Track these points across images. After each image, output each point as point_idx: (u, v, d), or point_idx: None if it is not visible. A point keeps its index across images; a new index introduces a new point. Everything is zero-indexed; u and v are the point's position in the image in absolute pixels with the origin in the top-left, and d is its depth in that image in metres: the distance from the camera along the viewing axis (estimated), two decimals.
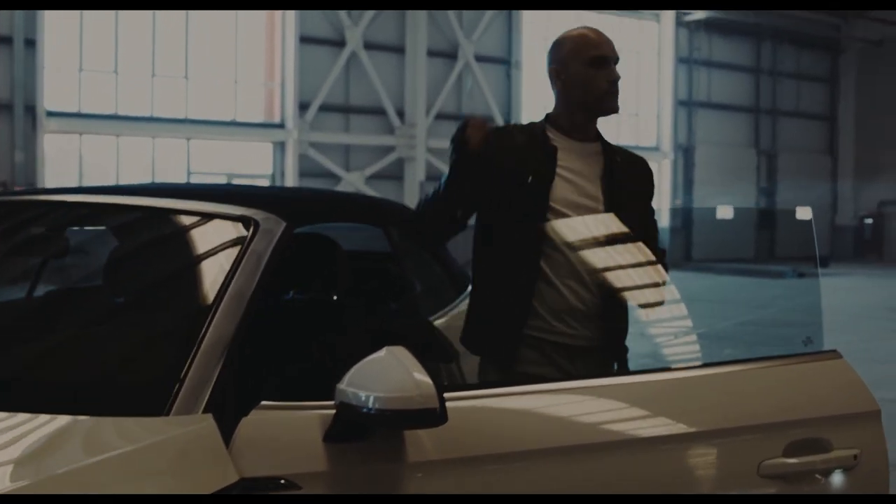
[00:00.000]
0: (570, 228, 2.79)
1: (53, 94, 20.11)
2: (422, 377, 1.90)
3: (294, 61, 22.86)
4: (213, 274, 2.27)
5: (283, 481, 1.91)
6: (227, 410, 1.97)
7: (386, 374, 1.90)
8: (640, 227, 2.90)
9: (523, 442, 2.09)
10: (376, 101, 24.24)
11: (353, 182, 23.20)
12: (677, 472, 2.21)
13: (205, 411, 1.93)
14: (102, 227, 2.72)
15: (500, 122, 25.67)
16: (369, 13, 23.68)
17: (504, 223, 2.84)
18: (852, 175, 34.23)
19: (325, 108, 23.41)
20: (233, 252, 2.31)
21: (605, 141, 2.99)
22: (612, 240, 2.85)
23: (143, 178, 20.87)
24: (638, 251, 2.88)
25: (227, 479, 1.84)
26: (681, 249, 29.74)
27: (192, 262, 2.46)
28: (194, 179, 21.34)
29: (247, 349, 2.17)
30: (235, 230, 2.41)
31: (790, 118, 33.07)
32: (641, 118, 29.50)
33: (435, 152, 24.74)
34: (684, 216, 30.14)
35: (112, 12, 20.89)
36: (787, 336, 11.67)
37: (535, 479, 2.07)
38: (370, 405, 1.88)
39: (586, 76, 2.86)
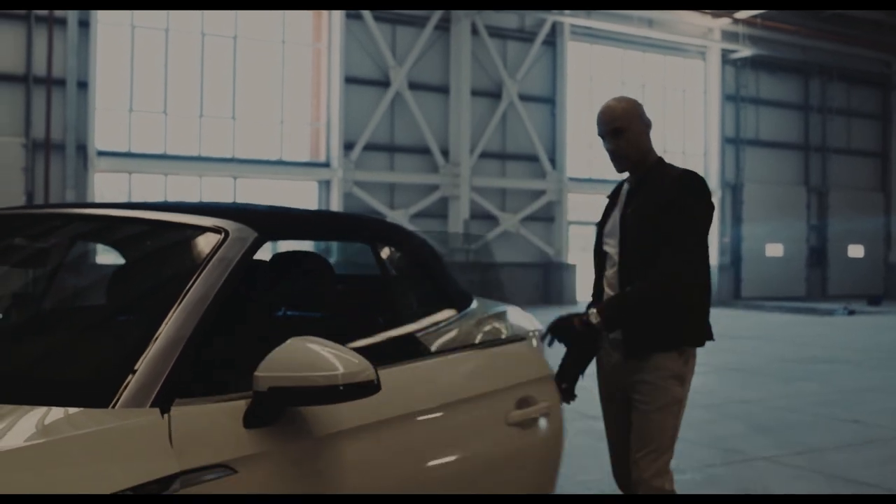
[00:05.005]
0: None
1: (104, 134, 20.64)
2: (355, 355, 2.14)
3: (339, 101, 23.20)
4: (179, 277, 2.34)
5: (221, 468, 2.00)
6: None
7: (321, 355, 2.09)
8: (653, 239, 3.36)
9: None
10: (421, 140, 24.47)
11: (397, 220, 23.36)
12: (459, 426, 2.86)
13: (153, 406, 1.99)
14: (80, 237, 2.80)
15: (543, 159, 25.75)
16: (414, 54, 23.99)
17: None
18: None
19: (369, 147, 23.69)
20: (201, 258, 2.39)
21: (652, 170, 3.53)
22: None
23: None
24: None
25: (168, 470, 1.90)
26: (730, 287, 29.45)
27: (162, 266, 2.55)
28: None
29: (223, 358, 2.24)
30: (206, 239, 2.49)
31: (841, 155, 32.67)
32: (688, 156, 29.35)
33: (479, 191, 24.88)
34: (733, 254, 29.85)
35: (161, 56, 21.43)
36: (822, 371, 11.58)
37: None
38: (321, 383, 2.05)
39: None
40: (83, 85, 19.99)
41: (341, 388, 2.07)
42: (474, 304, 4.11)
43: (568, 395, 3.72)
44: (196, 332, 2.17)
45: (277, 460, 2.15)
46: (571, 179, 26.72)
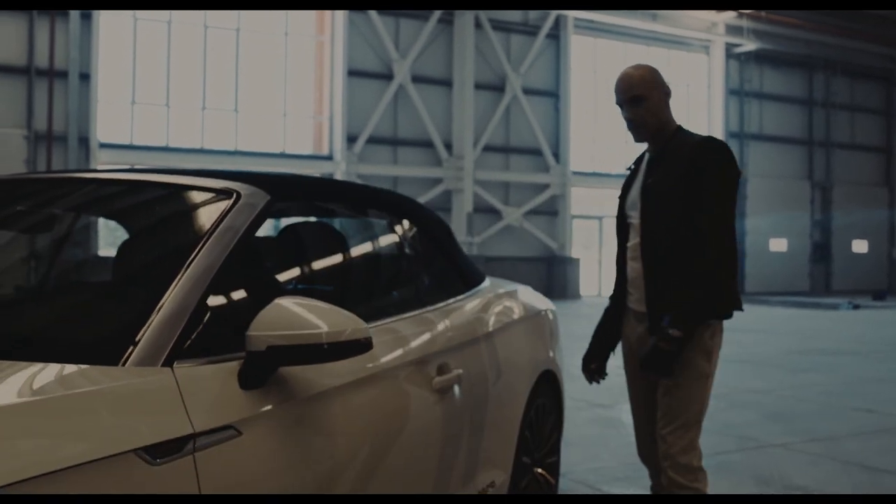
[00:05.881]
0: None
1: (106, 126, 20.58)
2: (349, 314, 2.11)
3: (342, 94, 23.11)
4: (191, 238, 2.26)
5: (230, 429, 1.94)
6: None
7: (314, 314, 2.04)
8: (677, 208, 3.27)
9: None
10: (424, 134, 24.39)
11: None
12: (412, 392, 2.78)
13: (164, 365, 1.92)
14: (91, 201, 2.72)
15: (547, 153, 25.69)
16: (417, 47, 23.91)
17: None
18: None
19: (372, 140, 23.61)
20: (213, 219, 2.31)
21: (672, 139, 3.42)
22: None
23: None
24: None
25: (184, 430, 1.82)
26: None
27: (174, 228, 2.47)
28: None
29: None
30: (218, 201, 2.42)
31: (845, 150, 32.59)
32: None
33: (482, 184, 24.79)
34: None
35: (164, 48, 21.34)
36: (829, 363, 11.50)
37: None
38: (319, 341, 2.01)
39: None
40: (85, 76, 19.92)
41: (338, 345, 2.05)
42: (486, 282, 4.04)
43: (598, 374, 3.69)
44: (208, 291, 2.11)
45: (277, 421, 2.10)
46: (575, 173, 26.64)
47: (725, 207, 3.24)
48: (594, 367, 3.71)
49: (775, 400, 8.30)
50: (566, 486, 5.04)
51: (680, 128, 3.48)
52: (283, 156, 22.96)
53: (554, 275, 25.75)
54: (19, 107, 19.56)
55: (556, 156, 26.28)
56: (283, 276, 2.97)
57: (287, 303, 2.08)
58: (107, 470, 1.65)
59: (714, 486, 3.80)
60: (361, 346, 2.11)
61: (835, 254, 32.32)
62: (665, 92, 3.44)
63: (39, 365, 1.81)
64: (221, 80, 22.22)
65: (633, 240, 3.46)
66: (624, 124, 3.47)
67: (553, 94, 26.59)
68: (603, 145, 28.04)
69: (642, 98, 3.38)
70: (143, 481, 1.72)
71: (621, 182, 3.69)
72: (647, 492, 5.04)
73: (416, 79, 24.18)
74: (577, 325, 9.26)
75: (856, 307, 23.58)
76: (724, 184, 3.26)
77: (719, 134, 29.34)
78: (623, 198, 3.57)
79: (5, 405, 1.65)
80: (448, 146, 24.69)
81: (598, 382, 3.77)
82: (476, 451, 3.25)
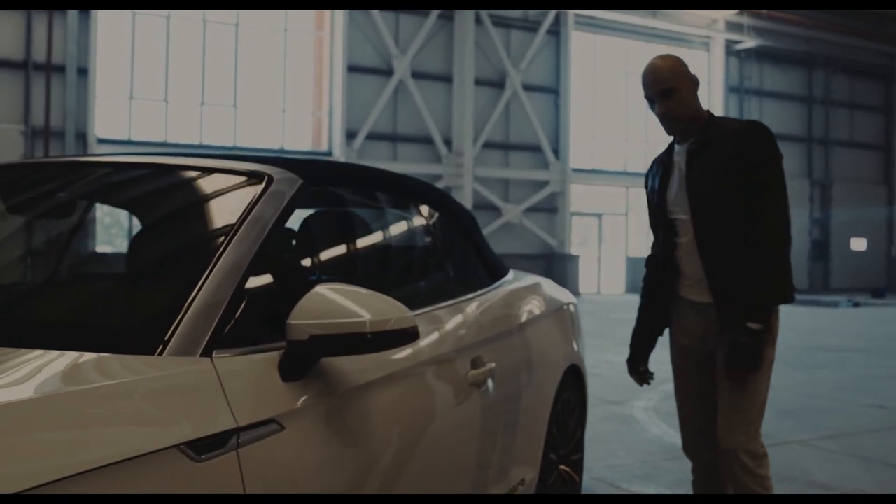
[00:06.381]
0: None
1: (104, 121, 20.42)
2: (393, 301, 2.00)
3: (342, 90, 22.98)
4: (225, 222, 2.16)
5: (272, 423, 1.84)
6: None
7: (356, 303, 1.94)
8: (730, 196, 3.19)
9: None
10: (423, 130, 24.27)
11: None
12: (449, 386, 2.68)
13: (203, 356, 1.81)
14: (117, 183, 2.62)
15: (547, 150, 25.59)
16: (417, 42, 23.79)
17: None
18: None
19: (372, 136, 23.48)
20: (247, 202, 2.22)
21: (707, 128, 3.32)
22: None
23: None
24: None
25: (226, 424, 1.72)
26: None
27: (207, 212, 2.36)
28: None
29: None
30: (251, 184, 2.32)
31: (844, 148, 32.53)
32: None
33: (482, 181, 24.69)
34: None
35: (162, 43, 21.20)
36: (836, 360, 11.44)
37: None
38: (363, 330, 1.91)
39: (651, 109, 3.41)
40: (83, 72, 19.77)
41: (383, 334, 1.94)
42: (510, 275, 3.94)
43: (647, 375, 3.64)
44: (244, 277, 2.00)
45: (318, 415, 2.00)
46: (575, 170, 26.53)
47: (783, 192, 3.20)
48: (643, 370, 3.63)
49: (788, 396, 8.21)
50: (586, 483, 4.95)
51: (711, 115, 3.40)
52: (282, 152, 22.81)
53: (553, 272, 25.63)
54: (16, 102, 19.40)
55: (556, 152, 26.18)
56: (310, 265, 2.87)
57: (328, 290, 1.97)
58: (150, 466, 1.54)
59: None
60: (407, 335, 2.00)
61: (833, 251, 32.26)
62: (694, 81, 3.36)
63: (73, 354, 1.70)
64: (220, 75, 22.08)
65: (686, 236, 3.34)
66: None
67: (553, 91, 26.48)
68: (603, 142, 27.94)
69: (673, 90, 3.28)
70: (187, 479, 1.61)
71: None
72: (669, 489, 4.97)
73: (416, 74, 24.06)
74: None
75: (856, 305, 23.54)
76: (777, 168, 3.20)
77: None
78: (662, 194, 3.42)
79: (43, 396, 1.53)
80: (448, 142, 24.58)
81: (649, 384, 3.69)
82: (509, 448, 3.15)
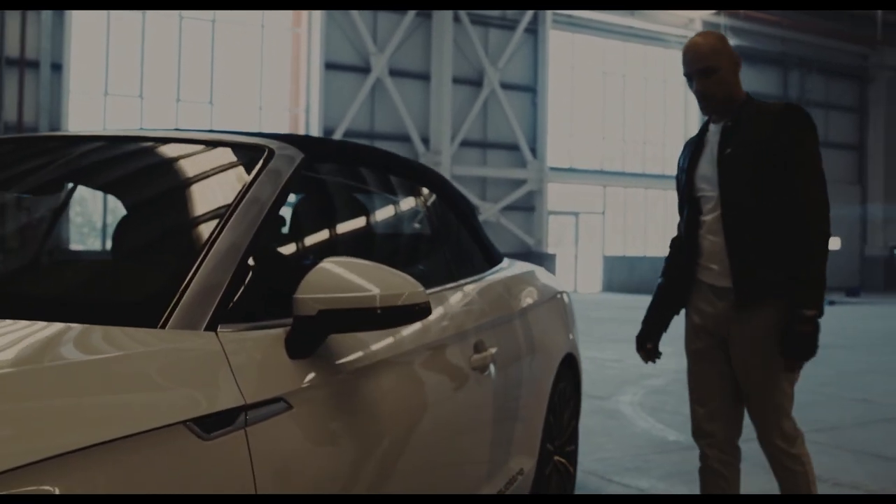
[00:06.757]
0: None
1: (78, 117, 20.17)
2: (404, 276, 1.92)
3: (319, 87, 22.86)
4: (227, 194, 2.07)
5: (280, 402, 1.75)
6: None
7: (365, 278, 1.86)
8: (761, 177, 3.14)
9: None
10: (401, 128, 24.19)
11: None
12: (454, 368, 2.63)
13: (207, 329, 1.72)
14: (117, 158, 2.53)
15: (524, 148, 25.56)
16: (395, 40, 23.70)
17: None
18: (882, 205, 33.80)
19: (349, 133, 23.37)
20: (250, 173, 2.13)
21: (745, 108, 3.29)
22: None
23: None
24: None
25: (234, 401, 1.63)
26: None
27: (208, 184, 2.27)
28: None
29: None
30: (252, 157, 2.24)
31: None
32: (668, 147, 29.26)
33: (459, 179, 24.62)
34: None
35: (138, 38, 20.99)
36: (818, 355, 11.45)
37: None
38: (373, 304, 1.83)
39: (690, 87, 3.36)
40: (57, 67, 19.54)
41: (394, 310, 1.85)
42: (506, 262, 3.87)
43: (654, 354, 3.59)
44: (248, 251, 1.91)
45: (326, 394, 1.93)
46: (552, 169, 26.53)
47: (822, 178, 3.13)
48: (650, 347, 3.57)
49: None
50: (577, 477, 4.88)
51: (749, 96, 3.34)
52: None
53: None
54: None
55: (534, 151, 26.16)
56: (310, 243, 2.78)
57: (336, 265, 1.88)
58: (156, 443, 1.44)
59: None
60: (420, 311, 1.91)
61: None
62: (735, 61, 3.30)
63: (76, 326, 1.60)
64: (196, 71, 21.88)
65: (711, 214, 3.27)
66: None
67: (531, 90, 26.47)
68: (580, 141, 27.96)
69: (713, 69, 3.22)
70: (194, 457, 1.52)
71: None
72: (660, 482, 4.91)
73: (394, 72, 23.97)
74: None
75: (831, 303, 23.65)
76: (816, 153, 3.15)
77: (694, 129, 29.29)
78: (690, 173, 3.38)
79: (47, 367, 1.44)
80: (425, 140, 24.50)
81: (654, 362, 3.64)
82: (508, 435, 3.08)
